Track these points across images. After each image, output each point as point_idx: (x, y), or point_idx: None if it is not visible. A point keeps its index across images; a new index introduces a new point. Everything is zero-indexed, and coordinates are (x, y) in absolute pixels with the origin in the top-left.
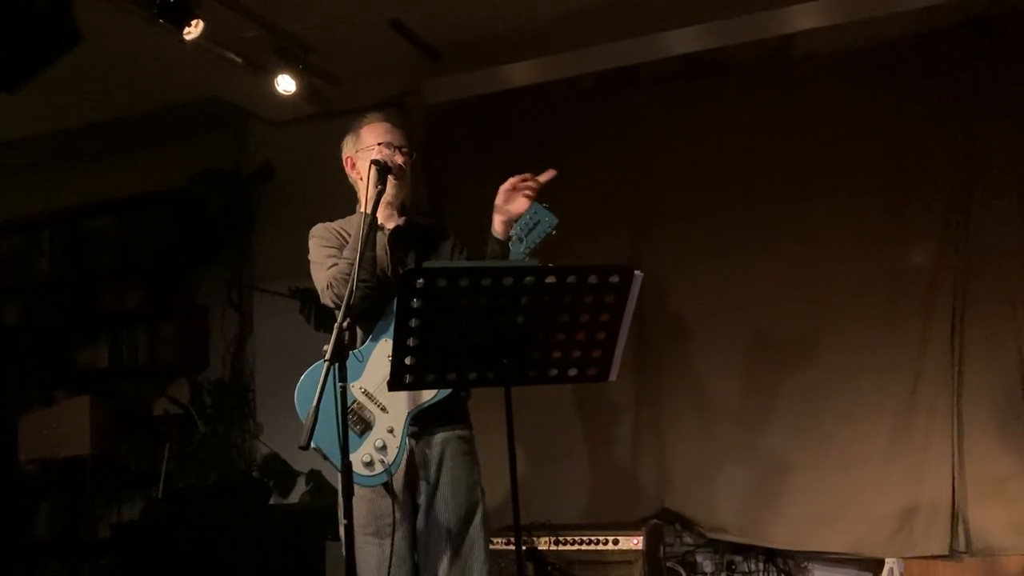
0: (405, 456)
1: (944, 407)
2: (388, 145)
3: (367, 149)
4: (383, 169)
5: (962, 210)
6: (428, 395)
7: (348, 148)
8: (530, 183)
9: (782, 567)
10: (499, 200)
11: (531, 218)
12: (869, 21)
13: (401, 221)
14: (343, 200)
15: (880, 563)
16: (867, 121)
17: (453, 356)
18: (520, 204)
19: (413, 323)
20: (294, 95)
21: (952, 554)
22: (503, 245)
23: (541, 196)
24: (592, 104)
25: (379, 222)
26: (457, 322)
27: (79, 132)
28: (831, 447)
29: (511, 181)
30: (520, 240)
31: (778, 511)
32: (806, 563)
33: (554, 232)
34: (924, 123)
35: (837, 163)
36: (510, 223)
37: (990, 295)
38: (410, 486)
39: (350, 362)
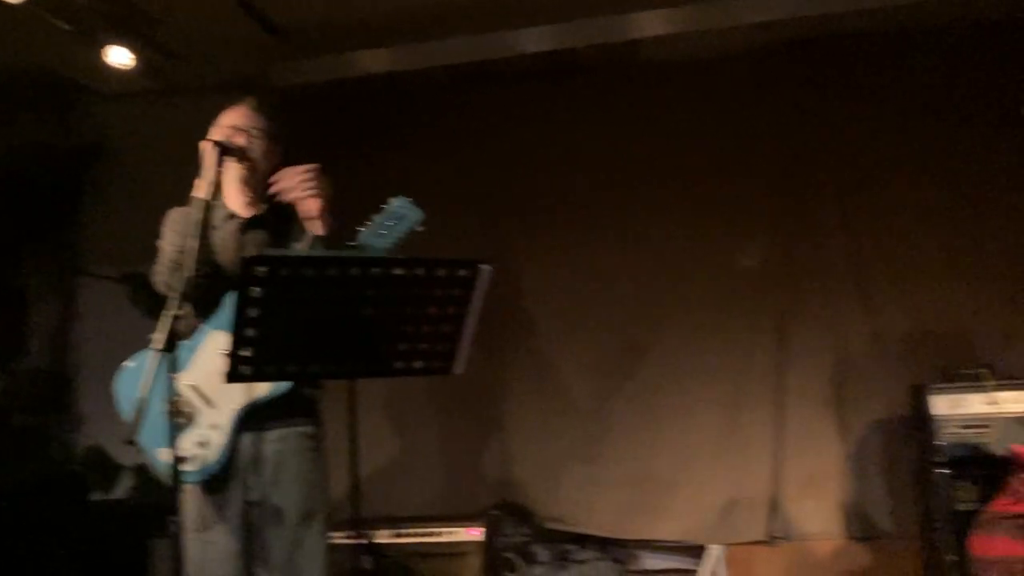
0: (233, 453)
1: (767, 402)
2: (238, 128)
3: (217, 131)
4: (223, 151)
5: (791, 215)
6: (263, 389)
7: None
8: (302, 181)
9: (614, 555)
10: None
11: (395, 212)
12: (709, 32)
13: (261, 209)
14: (182, 181)
15: (703, 548)
16: (704, 128)
17: (295, 348)
18: (309, 205)
19: (253, 313)
20: (130, 69)
21: (770, 540)
22: (332, 242)
23: (400, 191)
24: (446, 97)
25: (235, 209)
26: (300, 313)
27: None
28: (663, 440)
29: (288, 182)
30: (381, 235)
31: (612, 501)
32: (636, 551)
33: (420, 228)
34: (757, 130)
35: (676, 167)
36: (322, 219)
37: (813, 300)
38: (240, 483)
39: (184, 351)
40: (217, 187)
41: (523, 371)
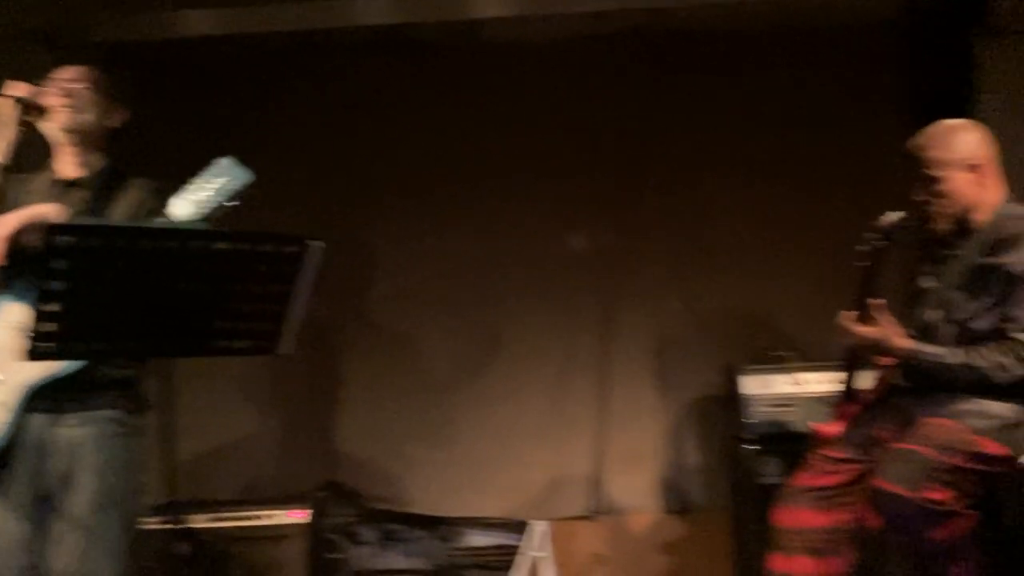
0: (19, 434)
1: (592, 381)
2: (55, 82)
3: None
4: (26, 106)
5: (618, 203)
6: (56, 366)
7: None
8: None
9: (440, 533)
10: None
11: (220, 173)
12: (552, 17)
13: (85, 172)
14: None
15: (528, 525)
16: (541, 113)
17: (105, 324)
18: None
19: (57, 286)
20: None
21: (591, 515)
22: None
23: (231, 152)
24: (275, 64)
25: (62, 171)
26: (111, 287)
27: None
28: (491, 419)
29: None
30: (204, 197)
31: (439, 481)
32: (462, 528)
33: (246, 190)
34: (591, 119)
35: (510, 151)
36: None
37: (636, 286)
38: (29, 469)
39: None
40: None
41: (353, 352)
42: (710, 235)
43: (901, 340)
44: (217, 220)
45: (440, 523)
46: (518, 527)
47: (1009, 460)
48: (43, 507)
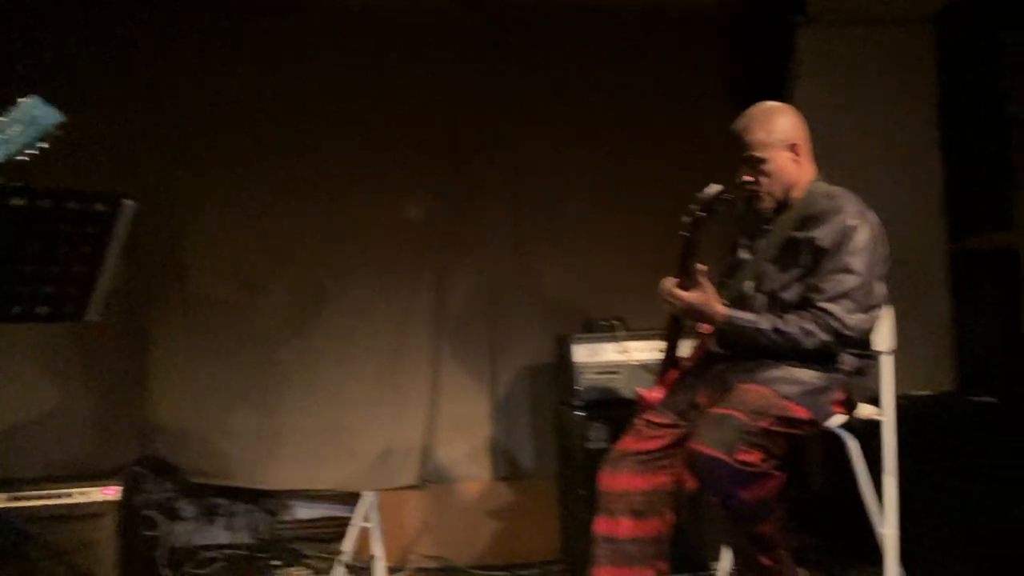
0: None
1: (426, 351)
2: None
3: None
4: None
5: (458, 173)
6: None
7: None
8: None
9: (266, 507)
10: None
11: (24, 113)
12: None
13: None
14: None
15: (357, 496)
16: (383, 80)
17: None
18: None
19: None
20: None
21: (421, 484)
22: None
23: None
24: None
25: None
26: None
27: None
28: (323, 390)
29: None
30: (4, 140)
31: (267, 453)
32: (290, 501)
33: (57, 132)
34: (435, 88)
35: (347, 114)
36: None
37: (472, 256)
38: None
39: None
40: None
41: (169, 318)
42: (541, 207)
43: (718, 306)
44: (19, 167)
45: (266, 496)
46: (349, 499)
47: (813, 423)
48: None
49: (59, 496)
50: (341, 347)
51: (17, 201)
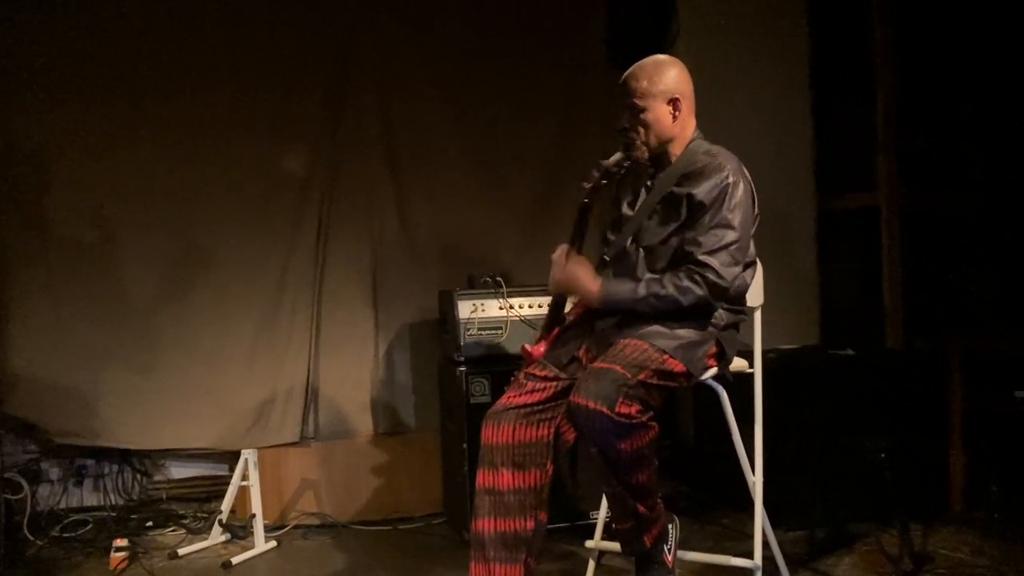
0: None
1: (306, 306)
2: None
3: None
4: None
5: (337, 124)
6: None
7: None
8: None
9: (138, 467)
10: None
11: None
12: None
13: None
14: None
15: (236, 455)
16: (259, 28)
17: None
18: None
19: None
20: None
21: (302, 440)
22: None
23: None
24: None
25: None
26: None
27: None
28: (197, 345)
29: None
30: None
31: (137, 411)
32: (163, 460)
33: None
34: (302, 29)
35: (219, 61)
36: None
37: (352, 201)
38: None
39: None
40: None
41: (30, 269)
42: (420, 162)
43: (592, 284)
44: None
45: (138, 456)
46: (226, 457)
47: (688, 375)
48: None
49: None
50: (217, 304)
51: None
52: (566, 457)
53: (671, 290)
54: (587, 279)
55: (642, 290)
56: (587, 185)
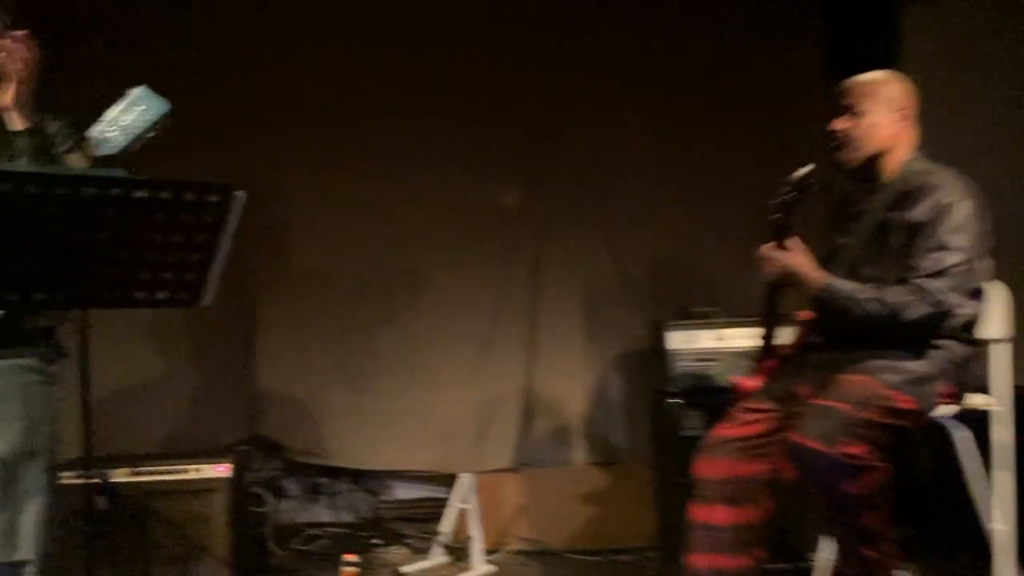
0: None
1: (520, 334)
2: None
3: None
4: None
5: (545, 154)
6: None
7: None
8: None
9: (367, 487)
10: None
11: (135, 103)
12: None
13: (27, 119)
14: None
15: (455, 477)
16: (466, 60)
17: (16, 274)
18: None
19: None
20: None
21: (517, 467)
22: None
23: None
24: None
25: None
26: (23, 235)
27: None
28: (420, 371)
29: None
30: (121, 128)
31: (362, 433)
32: (389, 481)
33: (167, 120)
34: (516, 65)
35: (438, 97)
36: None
37: (564, 240)
38: None
39: None
40: None
41: (277, 301)
42: (632, 192)
43: (815, 271)
44: (133, 154)
45: (367, 476)
46: (446, 480)
47: (919, 414)
48: None
49: (175, 472)
50: (437, 330)
51: (140, 193)
52: (785, 494)
53: (895, 299)
54: (811, 266)
55: (867, 292)
56: (776, 201)
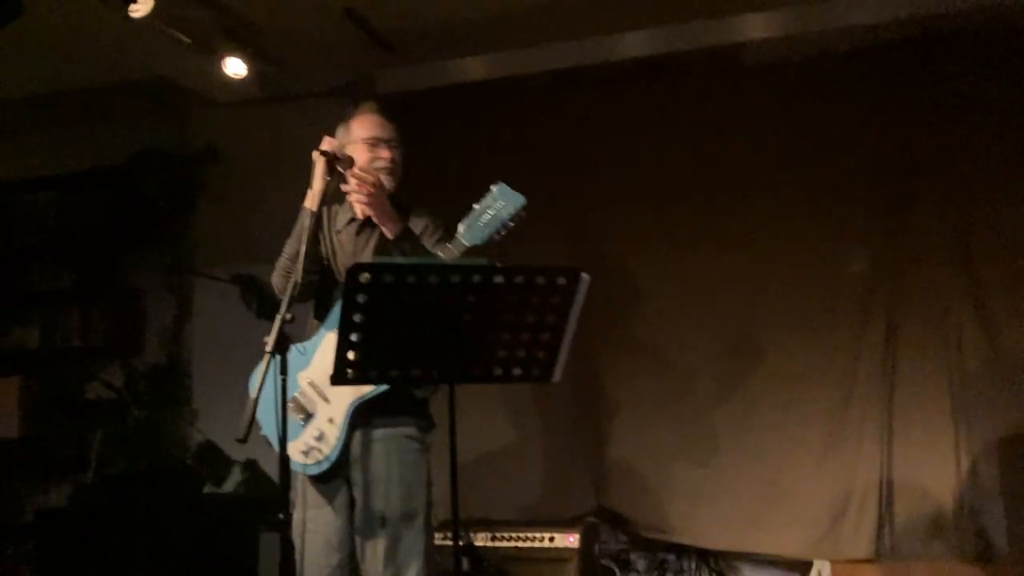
0: (343, 448)
1: (876, 414)
2: (377, 141)
3: (355, 143)
4: (331, 160)
5: (897, 218)
6: (369, 388)
7: (339, 139)
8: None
9: (713, 567)
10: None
11: (496, 198)
12: (813, 34)
13: (392, 233)
14: (291, 185)
15: (808, 564)
16: (806, 130)
17: (397, 353)
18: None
19: (358, 318)
20: (242, 79)
21: (876, 558)
22: (407, 243)
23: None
24: (541, 102)
25: (357, 213)
26: (402, 319)
27: (17, 104)
28: (765, 450)
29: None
30: (485, 222)
31: (712, 512)
32: (736, 563)
33: (522, 212)
34: (860, 133)
35: (778, 170)
36: (384, 224)
37: (923, 305)
38: (346, 478)
39: (297, 353)
40: (325, 196)
41: (622, 377)
42: (999, 250)
43: None
44: (496, 243)
45: (714, 556)
46: (798, 566)
47: None
48: (353, 510)
49: (531, 540)
50: (785, 406)
51: (498, 278)
52: None
53: None
54: None
55: None
56: None
